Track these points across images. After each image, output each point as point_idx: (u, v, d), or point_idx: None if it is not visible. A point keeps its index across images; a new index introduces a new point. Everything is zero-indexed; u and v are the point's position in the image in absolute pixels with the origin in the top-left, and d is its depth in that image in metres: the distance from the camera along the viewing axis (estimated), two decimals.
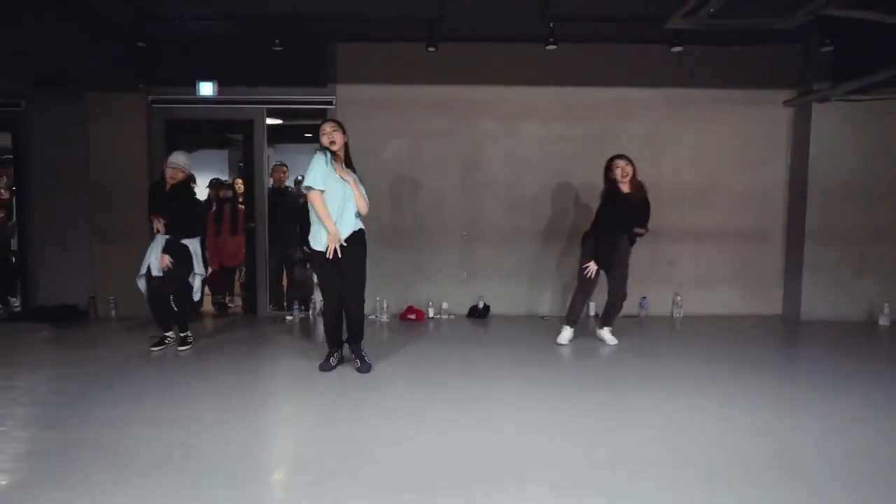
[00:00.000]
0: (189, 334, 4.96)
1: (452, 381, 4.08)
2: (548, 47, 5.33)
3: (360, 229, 4.13)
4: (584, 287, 5.06)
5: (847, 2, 4.07)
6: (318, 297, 6.80)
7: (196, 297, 5.10)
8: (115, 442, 3.01)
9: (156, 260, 4.70)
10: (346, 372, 4.23)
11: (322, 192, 3.95)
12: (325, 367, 4.22)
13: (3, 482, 2.62)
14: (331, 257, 3.95)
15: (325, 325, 4.23)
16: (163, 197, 4.77)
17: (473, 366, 4.48)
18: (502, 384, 4.03)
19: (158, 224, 4.76)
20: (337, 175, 4.01)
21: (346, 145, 4.14)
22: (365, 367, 4.17)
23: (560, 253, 6.30)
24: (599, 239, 4.94)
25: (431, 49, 5.43)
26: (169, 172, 4.75)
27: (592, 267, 4.92)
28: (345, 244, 3.99)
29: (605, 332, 5.15)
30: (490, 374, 4.26)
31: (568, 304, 5.24)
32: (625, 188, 4.92)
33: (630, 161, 4.94)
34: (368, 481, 2.62)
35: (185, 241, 4.78)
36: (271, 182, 6.64)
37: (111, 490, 2.52)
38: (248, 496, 2.50)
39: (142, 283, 4.80)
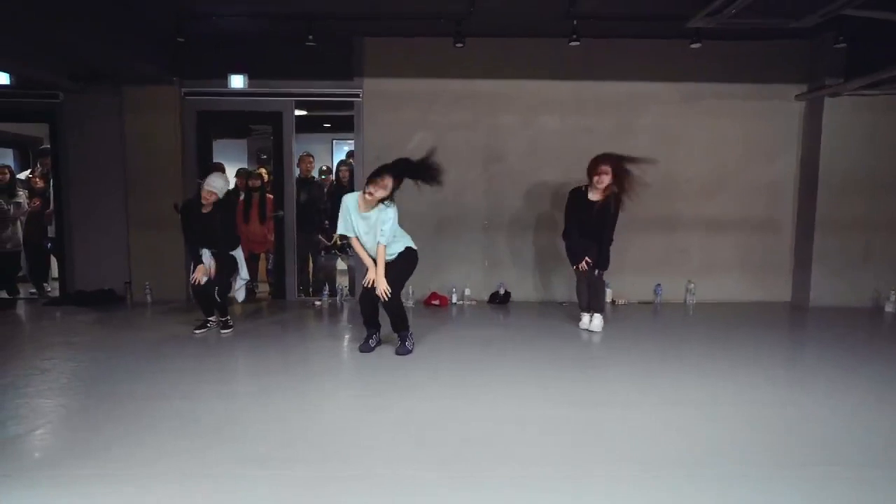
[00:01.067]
0: (230, 318, 5.22)
1: (478, 361, 4.33)
2: (571, 44, 5.52)
3: (407, 248, 4.44)
4: (581, 278, 5.31)
5: (861, 2, 4.28)
6: (344, 282, 7.08)
7: (240, 297, 5.41)
8: (188, 405, 3.27)
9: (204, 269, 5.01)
10: (385, 352, 4.47)
11: (352, 236, 4.36)
12: (364, 348, 4.48)
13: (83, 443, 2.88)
14: (367, 286, 4.30)
15: (360, 308, 4.48)
16: (203, 219, 4.97)
17: (497, 347, 4.74)
18: (525, 364, 4.28)
19: (199, 276, 4.97)
20: (361, 214, 4.31)
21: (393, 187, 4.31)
22: (402, 350, 4.42)
23: None
24: (566, 244, 5.28)
25: (459, 45, 5.63)
26: (203, 195, 4.96)
27: (583, 265, 5.19)
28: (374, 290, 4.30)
29: (597, 319, 5.30)
30: (514, 355, 4.51)
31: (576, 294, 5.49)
32: (594, 196, 5.12)
33: (613, 168, 4.99)
34: (397, 452, 2.88)
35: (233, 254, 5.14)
36: (298, 172, 6.87)
37: (185, 452, 2.78)
38: (285, 460, 2.76)
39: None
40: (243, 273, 5.27)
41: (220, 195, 5.03)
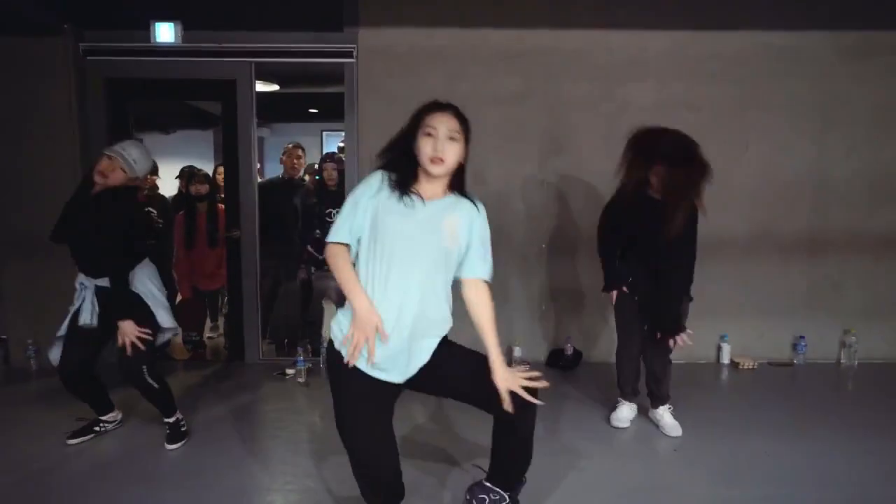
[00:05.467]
0: (181, 418, 3.09)
1: None
2: None
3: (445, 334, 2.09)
4: (630, 338, 3.28)
5: None
6: (329, 331, 4.90)
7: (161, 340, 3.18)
8: None
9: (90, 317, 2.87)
10: None
11: (346, 245, 2.00)
12: None
13: None
14: (350, 362, 1.92)
15: (360, 476, 2.08)
16: (89, 207, 2.84)
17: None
18: None
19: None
20: (412, 203, 1.99)
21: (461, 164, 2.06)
22: None
23: None
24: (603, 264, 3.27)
25: None
26: (102, 163, 2.83)
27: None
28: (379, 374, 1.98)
29: (666, 413, 3.26)
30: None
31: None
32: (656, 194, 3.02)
33: (682, 159, 2.89)
34: None
35: (134, 286, 2.93)
36: (281, 171, 4.81)
37: None
38: None
39: (55, 353, 2.95)
40: (164, 319, 3.01)
41: (134, 170, 2.87)
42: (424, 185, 2.02)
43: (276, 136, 8.39)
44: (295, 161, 4.84)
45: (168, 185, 5.46)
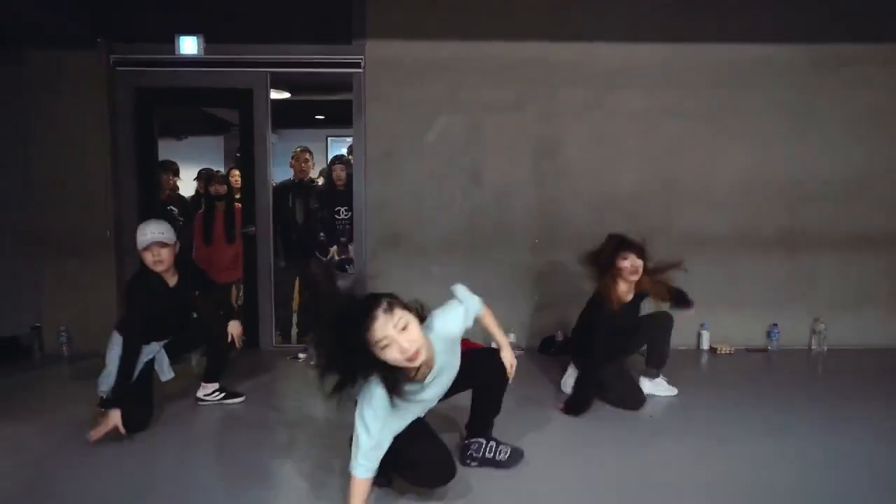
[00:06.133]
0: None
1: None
2: None
3: None
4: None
5: None
6: None
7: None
8: None
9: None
10: None
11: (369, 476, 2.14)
12: None
13: None
14: None
15: None
16: (172, 297, 3.30)
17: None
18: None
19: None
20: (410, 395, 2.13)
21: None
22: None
23: None
24: (588, 372, 3.52)
25: None
26: (149, 258, 3.15)
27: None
28: None
29: (661, 382, 3.73)
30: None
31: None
32: (625, 291, 3.54)
33: (643, 252, 3.46)
34: None
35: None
36: (292, 174, 5.17)
37: None
38: None
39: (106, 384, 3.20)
40: None
41: (172, 243, 3.22)
42: (416, 372, 2.13)
43: (284, 141, 8.72)
44: (303, 164, 5.17)
45: (186, 186, 5.81)
